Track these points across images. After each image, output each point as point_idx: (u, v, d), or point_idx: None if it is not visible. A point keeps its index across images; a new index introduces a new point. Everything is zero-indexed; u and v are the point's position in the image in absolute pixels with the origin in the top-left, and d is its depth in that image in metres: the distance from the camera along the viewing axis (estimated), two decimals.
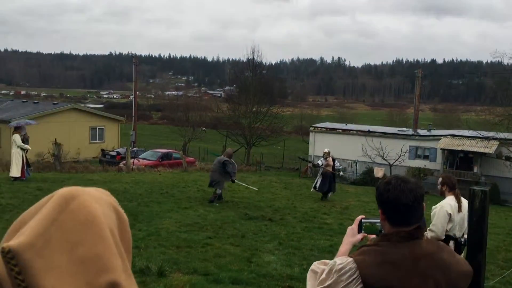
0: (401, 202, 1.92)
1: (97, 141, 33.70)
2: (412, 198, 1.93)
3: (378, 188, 2.04)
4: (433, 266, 1.92)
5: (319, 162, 14.86)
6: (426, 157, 32.51)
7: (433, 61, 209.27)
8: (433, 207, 5.43)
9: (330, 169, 14.46)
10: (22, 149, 12.51)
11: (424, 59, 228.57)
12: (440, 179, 5.57)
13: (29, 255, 0.74)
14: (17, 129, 12.80)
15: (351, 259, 1.93)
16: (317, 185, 14.49)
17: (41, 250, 0.75)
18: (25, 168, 12.76)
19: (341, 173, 16.43)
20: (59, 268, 0.75)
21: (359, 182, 29.53)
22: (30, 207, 0.87)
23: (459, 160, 31.31)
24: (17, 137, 12.59)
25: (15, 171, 12.61)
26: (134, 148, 29.96)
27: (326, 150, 15.14)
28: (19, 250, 0.74)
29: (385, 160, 30.38)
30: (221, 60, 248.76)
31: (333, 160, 14.95)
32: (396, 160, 30.07)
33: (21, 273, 0.73)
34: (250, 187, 12.52)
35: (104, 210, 0.86)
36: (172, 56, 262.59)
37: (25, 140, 12.72)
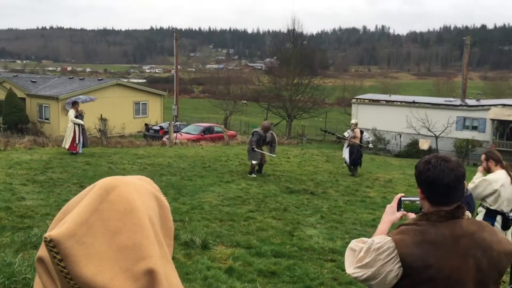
0: (442, 182, 1.88)
1: (140, 115, 34.46)
2: (453, 178, 1.88)
3: (418, 167, 2.00)
4: (474, 246, 1.88)
5: (346, 134, 14.30)
6: (474, 128, 31.33)
7: (483, 26, 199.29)
8: (484, 177, 5.34)
9: (357, 141, 13.85)
10: (75, 124, 13.13)
11: (474, 24, 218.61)
12: (483, 155, 5.49)
13: (69, 244, 0.79)
14: (74, 105, 13.41)
15: (389, 238, 1.91)
16: (347, 158, 13.86)
17: (82, 239, 0.80)
18: (77, 143, 13.30)
19: (370, 145, 15.62)
20: (99, 255, 0.80)
21: (403, 154, 28.94)
22: (74, 197, 0.92)
23: (510, 131, 30.05)
24: (70, 112, 13.31)
25: (65, 142, 13.42)
26: (177, 123, 30.44)
27: (353, 121, 14.69)
28: (60, 239, 0.79)
29: (431, 131, 29.51)
30: (261, 32, 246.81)
31: (361, 132, 14.29)
32: (443, 131, 29.14)
33: (62, 260, 0.78)
34: (270, 154, 12.70)
35: (144, 199, 0.89)
36: (212, 29, 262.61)
37: (79, 116, 13.30)
